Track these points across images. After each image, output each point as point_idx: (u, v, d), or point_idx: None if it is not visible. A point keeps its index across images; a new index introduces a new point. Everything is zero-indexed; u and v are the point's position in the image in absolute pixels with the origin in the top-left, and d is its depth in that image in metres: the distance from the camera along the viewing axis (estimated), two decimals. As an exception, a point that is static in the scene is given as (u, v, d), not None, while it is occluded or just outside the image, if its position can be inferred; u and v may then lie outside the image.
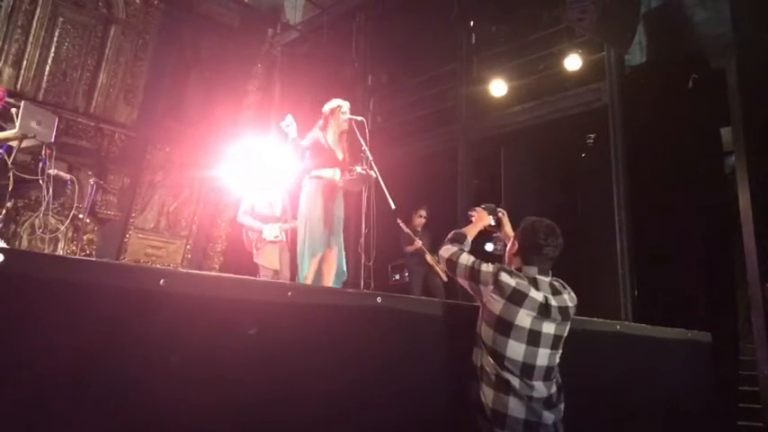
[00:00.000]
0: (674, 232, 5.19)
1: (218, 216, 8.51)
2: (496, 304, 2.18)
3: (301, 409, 1.87)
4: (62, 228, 6.60)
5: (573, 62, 6.03)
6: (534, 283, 2.22)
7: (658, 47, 5.57)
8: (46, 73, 6.96)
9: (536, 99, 6.39)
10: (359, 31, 8.32)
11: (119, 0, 7.48)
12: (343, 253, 4.11)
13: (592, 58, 6.00)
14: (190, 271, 2.15)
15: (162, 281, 1.62)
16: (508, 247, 2.53)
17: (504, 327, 2.15)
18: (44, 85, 6.94)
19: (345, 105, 4.11)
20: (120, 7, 7.50)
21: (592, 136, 6.76)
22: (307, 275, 3.90)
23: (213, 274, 6.47)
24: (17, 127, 4.23)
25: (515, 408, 2.10)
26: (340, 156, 4.07)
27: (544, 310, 2.17)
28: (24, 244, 6.51)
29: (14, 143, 4.34)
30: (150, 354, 1.57)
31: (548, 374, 2.18)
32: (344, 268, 4.09)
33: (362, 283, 3.90)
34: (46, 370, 1.39)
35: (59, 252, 6.74)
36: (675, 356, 3.56)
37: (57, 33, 7.04)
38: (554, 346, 2.21)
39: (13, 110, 4.38)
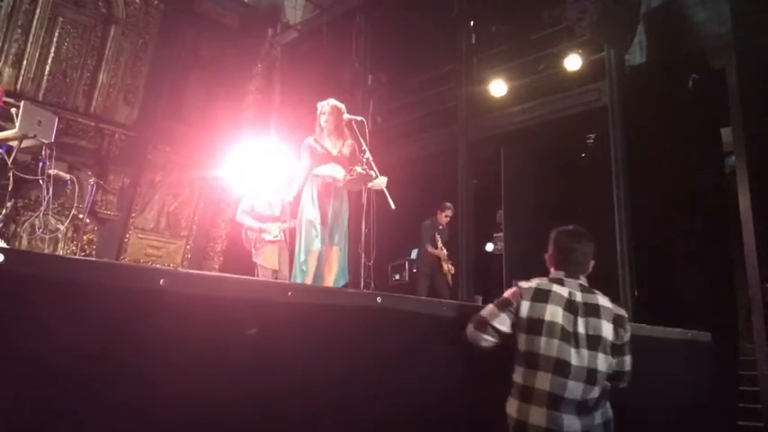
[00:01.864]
0: (674, 232, 5.19)
1: (218, 216, 8.52)
2: (524, 308, 2.21)
3: (301, 409, 1.87)
4: (62, 228, 6.60)
5: (573, 62, 6.03)
6: (558, 282, 2.26)
7: (658, 47, 5.57)
8: (46, 73, 6.98)
9: (536, 99, 6.39)
10: (359, 31, 8.31)
11: (119, 0, 7.48)
12: (346, 257, 4.08)
13: (592, 58, 6.00)
14: (190, 271, 2.15)
15: (162, 281, 1.62)
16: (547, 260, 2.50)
17: (536, 325, 2.16)
18: (44, 85, 6.95)
19: (326, 104, 4.09)
20: (120, 7, 7.50)
21: (592, 136, 6.76)
22: (303, 264, 3.88)
23: (213, 274, 6.47)
24: (17, 127, 4.23)
25: (536, 417, 2.09)
26: (334, 152, 4.04)
27: (569, 306, 2.18)
28: (24, 244, 6.52)
29: (14, 143, 4.33)
30: (150, 353, 1.57)
31: (590, 378, 2.11)
32: (345, 272, 4.07)
33: (362, 283, 3.89)
34: (46, 370, 1.39)
35: (59, 252, 6.74)
36: (675, 356, 3.56)
37: (57, 33, 7.05)
38: (593, 347, 2.14)
39: (13, 110, 4.37)
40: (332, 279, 3.99)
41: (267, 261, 4.80)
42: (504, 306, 2.26)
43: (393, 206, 3.74)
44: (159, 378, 1.58)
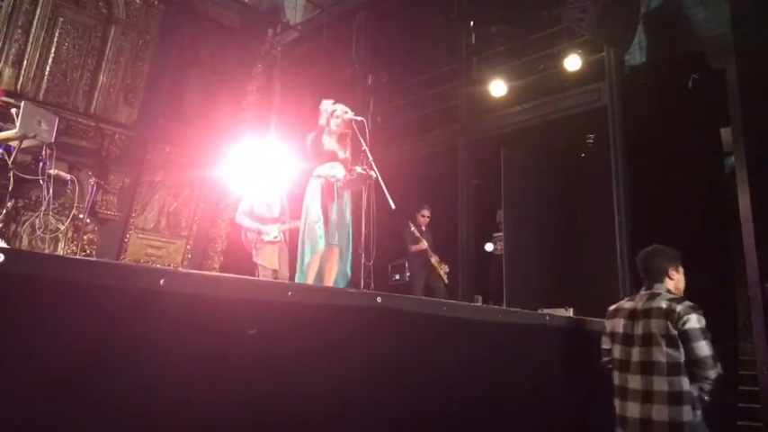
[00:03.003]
0: (674, 232, 5.18)
1: (218, 216, 8.51)
2: (608, 327, 2.89)
3: (301, 408, 1.87)
4: (62, 228, 6.60)
5: (573, 62, 6.03)
6: (631, 299, 2.87)
7: (658, 47, 5.57)
8: (46, 73, 6.96)
9: (536, 99, 6.38)
10: (359, 31, 8.31)
11: (119, 0, 7.48)
12: (349, 256, 4.08)
13: (592, 58, 6.00)
14: (190, 271, 2.15)
15: (162, 281, 1.63)
16: None
17: (613, 336, 2.83)
18: (44, 85, 6.94)
19: (339, 109, 4.10)
20: (121, 7, 7.50)
21: (592, 136, 6.76)
22: (309, 265, 3.87)
23: (213, 274, 6.47)
24: (17, 127, 4.23)
25: (617, 405, 2.70)
26: (340, 154, 4.06)
27: (631, 315, 2.75)
28: (24, 244, 6.51)
29: (15, 143, 4.34)
30: (151, 353, 1.57)
31: (645, 369, 2.60)
32: (348, 271, 4.06)
33: (362, 283, 3.89)
34: (46, 370, 1.40)
35: (59, 252, 6.74)
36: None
37: (57, 33, 7.04)
38: (647, 344, 2.62)
39: (14, 110, 4.38)
40: (332, 279, 3.99)
41: (267, 261, 4.80)
42: (603, 330, 2.95)
43: (393, 206, 3.74)
44: (159, 378, 1.58)
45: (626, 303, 2.86)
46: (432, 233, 6.49)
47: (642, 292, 2.84)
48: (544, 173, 6.79)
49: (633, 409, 2.57)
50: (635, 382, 2.61)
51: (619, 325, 2.79)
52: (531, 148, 6.74)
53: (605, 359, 2.89)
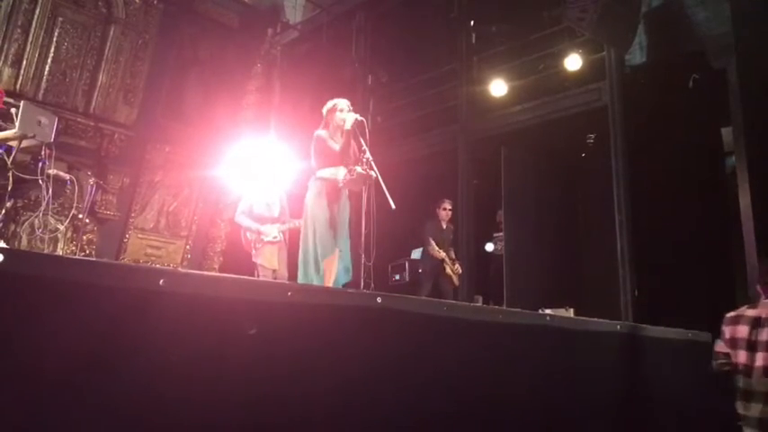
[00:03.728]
0: (674, 232, 5.19)
1: (217, 216, 8.51)
2: (726, 332, 3.09)
3: (301, 408, 1.87)
4: (62, 228, 6.60)
5: (573, 62, 6.03)
6: (753, 306, 3.06)
7: (659, 47, 5.57)
8: (45, 73, 6.96)
9: (536, 99, 6.38)
10: (359, 31, 8.31)
11: (118, 0, 7.48)
12: (349, 254, 4.07)
13: (592, 58, 6.00)
14: (190, 271, 2.14)
15: (162, 281, 1.62)
16: None
17: (733, 342, 3.02)
18: (44, 84, 6.94)
19: (342, 103, 4.08)
20: (120, 7, 7.49)
21: (592, 136, 6.76)
22: (324, 271, 3.86)
23: (213, 274, 6.47)
24: (17, 127, 4.23)
25: (739, 406, 2.93)
26: (343, 156, 4.04)
27: (755, 323, 2.94)
28: (24, 244, 6.51)
29: (14, 143, 4.34)
30: (150, 354, 1.57)
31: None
32: (350, 266, 4.05)
33: (362, 283, 3.89)
34: (46, 370, 1.39)
35: (59, 252, 6.74)
36: (675, 356, 3.56)
37: (56, 33, 7.04)
38: None
39: (13, 110, 4.38)
40: (332, 280, 3.99)
41: (267, 261, 4.80)
42: (720, 335, 3.15)
43: (393, 206, 3.73)
44: (159, 378, 1.57)
45: (748, 311, 3.03)
46: (455, 226, 6.52)
47: (764, 300, 3.03)
48: (544, 173, 6.79)
49: (755, 410, 2.80)
50: (759, 385, 2.82)
51: (742, 331, 2.97)
52: (531, 148, 6.73)
53: (720, 361, 3.09)
